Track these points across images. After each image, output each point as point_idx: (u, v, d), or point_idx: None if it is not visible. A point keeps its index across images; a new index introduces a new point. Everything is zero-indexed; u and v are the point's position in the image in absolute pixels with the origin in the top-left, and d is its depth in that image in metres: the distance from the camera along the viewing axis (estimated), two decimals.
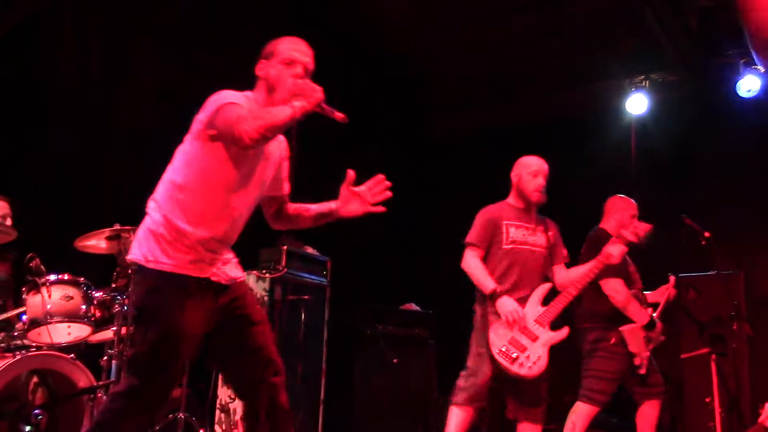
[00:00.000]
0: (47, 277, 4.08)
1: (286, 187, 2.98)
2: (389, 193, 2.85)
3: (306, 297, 5.48)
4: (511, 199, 4.46)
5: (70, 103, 5.48)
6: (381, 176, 2.87)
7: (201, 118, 2.65)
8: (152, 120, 5.62)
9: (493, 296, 4.16)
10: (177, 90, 5.68)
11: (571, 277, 4.35)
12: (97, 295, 4.23)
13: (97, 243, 4.36)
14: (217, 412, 5.53)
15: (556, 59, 6.86)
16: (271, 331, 2.76)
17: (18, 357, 3.82)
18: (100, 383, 4.06)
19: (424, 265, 7.63)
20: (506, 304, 4.12)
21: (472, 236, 4.33)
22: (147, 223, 2.70)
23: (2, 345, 4.16)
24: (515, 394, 4.21)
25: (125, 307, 4.19)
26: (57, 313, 4.03)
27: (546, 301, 4.28)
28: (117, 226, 4.25)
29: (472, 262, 4.28)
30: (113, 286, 4.38)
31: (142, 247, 2.65)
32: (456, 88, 7.74)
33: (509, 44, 6.79)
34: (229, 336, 2.69)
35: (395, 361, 5.78)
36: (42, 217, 4.89)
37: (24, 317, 4.11)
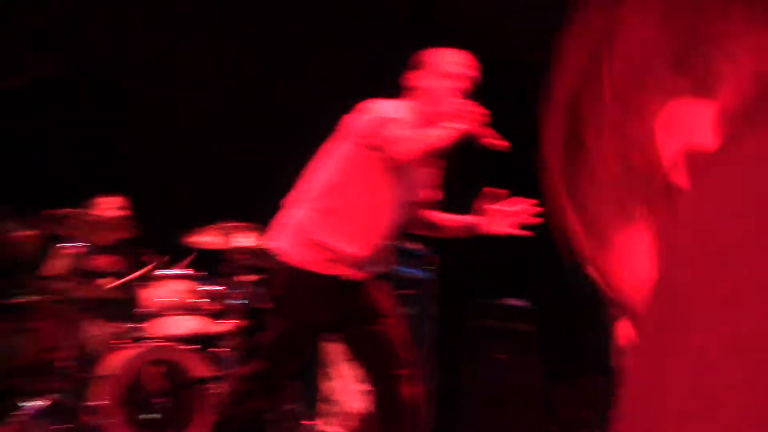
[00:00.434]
0: (165, 272, 4.26)
1: (434, 194, 2.97)
2: (538, 219, 2.77)
3: (411, 292, 5.48)
4: None
5: (174, 102, 5.71)
6: (532, 200, 2.80)
7: (357, 125, 2.65)
8: (257, 117, 5.77)
9: None
10: (275, 85, 5.81)
11: None
12: (212, 288, 4.38)
13: (208, 238, 4.52)
14: (321, 403, 5.62)
15: None
16: (401, 324, 2.77)
17: (140, 348, 4.00)
18: (217, 373, 4.21)
19: (529, 260, 7.49)
20: None
21: None
22: (290, 217, 2.76)
23: (124, 336, 4.37)
24: None
25: (238, 300, 4.33)
26: (174, 306, 4.20)
27: None
28: (227, 222, 4.40)
29: None
30: (225, 279, 4.54)
31: (281, 241, 2.73)
32: None
33: None
34: (360, 329, 2.74)
35: (502, 356, 5.71)
36: (156, 213, 5.10)
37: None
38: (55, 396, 3.70)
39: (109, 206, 4.88)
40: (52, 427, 3.68)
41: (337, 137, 2.75)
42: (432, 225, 2.95)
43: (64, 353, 3.83)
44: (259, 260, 4.70)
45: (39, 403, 3.67)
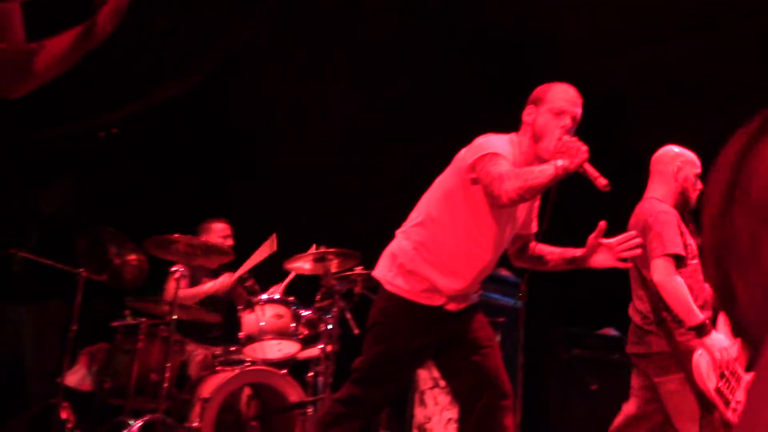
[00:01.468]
0: (260, 297, 4.35)
1: (534, 226, 2.97)
2: (639, 251, 2.77)
3: (501, 319, 5.44)
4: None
5: (273, 127, 5.87)
6: (633, 232, 2.81)
7: (466, 158, 2.70)
8: (352, 146, 5.87)
9: (704, 329, 3.24)
10: (370, 117, 5.90)
11: None
12: (304, 314, 4.45)
13: (303, 264, 4.60)
14: (415, 431, 5.62)
15: None
16: (499, 354, 2.76)
17: (236, 371, 4.09)
18: (310, 398, 4.26)
19: (622, 289, 7.34)
20: (720, 341, 3.23)
21: (673, 244, 3.28)
22: (393, 246, 2.82)
23: (221, 359, 4.49)
24: None
25: (330, 326, 4.38)
26: (269, 331, 4.28)
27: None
28: (323, 248, 4.47)
29: (678, 281, 3.25)
30: (318, 305, 4.60)
31: (384, 268, 2.78)
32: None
33: None
34: (458, 358, 2.74)
35: (594, 387, 5.59)
36: (253, 238, 5.22)
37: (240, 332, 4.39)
38: (157, 416, 3.81)
39: (214, 231, 5.05)
40: None
41: (447, 170, 2.78)
42: (537, 258, 2.93)
43: (166, 374, 3.94)
44: (354, 287, 4.76)
45: (141, 422, 3.78)
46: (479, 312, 2.84)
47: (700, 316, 3.23)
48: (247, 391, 4.44)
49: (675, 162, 3.55)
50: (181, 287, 4.22)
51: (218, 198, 5.96)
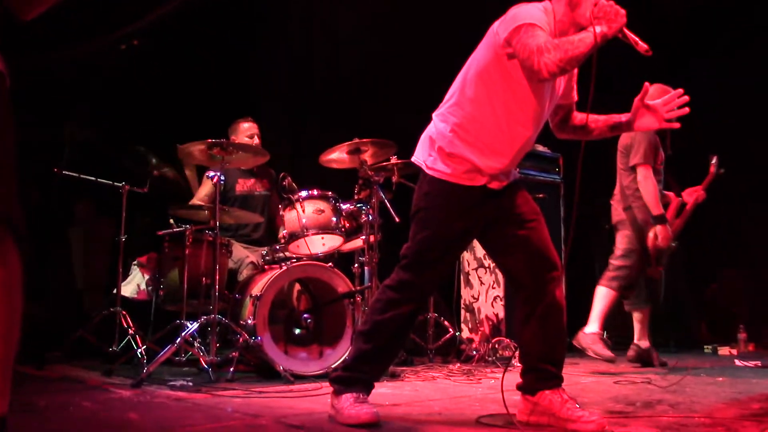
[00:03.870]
0: (299, 194, 4.38)
1: (574, 95, 2.88)
2: (686, 110, 2.67)
3: (540, 195, 5.42)
4: None
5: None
6: (680, 90, 2.69)
7: (500, 31, 2.58)
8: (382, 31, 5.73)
9: (661, 219, 4.86)
10: None
11: None
12: (344, 207, 4.47)
13: (339, 157, 4.60)
14: (463, 311, 5.74)
15: None
16: (545, 227, 2.75)
17: (284, 268, 4.16)
18: (357, 288, 4.35)
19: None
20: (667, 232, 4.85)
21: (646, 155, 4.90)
22: (430, 129, 2.77)
23: (267, 258, 4.57)
24: None
25: (371, 217, 4.41)
26: (311, 226, 4.33)
27: None
28: (356, 140, 4.45)
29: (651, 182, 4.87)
30: (357, 197, 4.63)
31: (423, 153, 2.75)
32: None
33: None
34: (504, 234, 2.74)
35: None
36: (285, 137, 5.22)
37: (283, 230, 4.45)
38: (212, 317, 3.93)
39: (242, 132, 5.07)
40: (210, 346, 3.92)
41: (480, 46, 2.69)
42: (581, 128, 2.86)
43: (217, 277, 4.04)
44: (392, 176, 4.76)
45: (198, 324, 3.90)
46: (522, 188, 2.81)
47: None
48: (296, 287, 4.54)
49: None
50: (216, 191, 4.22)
51: (242, 97, 5.92)
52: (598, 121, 2.85)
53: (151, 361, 3.77)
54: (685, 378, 4.08)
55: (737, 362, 5.19)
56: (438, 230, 2.68)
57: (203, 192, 5.02)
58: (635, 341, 5.02)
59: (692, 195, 5.29)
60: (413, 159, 2.80)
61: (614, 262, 5.01)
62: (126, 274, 4.91)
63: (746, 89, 6.84)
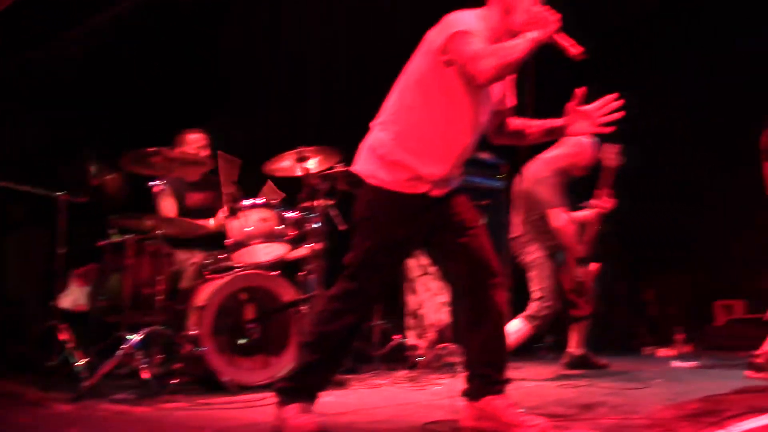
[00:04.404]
0: (243, 202, 4.34)
1: (510, 101, 2.92)
2: (620, 114, 2.71)
3: (484, 202, 5.48)
4: None
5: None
6: (613, 95, 2.73)
7: (436, 39, 2.61)
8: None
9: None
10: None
11: None
12: (289, 215, 4.45)
13: (284, 165, 4.58)
14: (408, 318, 5.75)
15: None
16: (486, 234, 2.78)
17: (228, 277, 4.12)
18: (303, 297, 4.33)
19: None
20: None
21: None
22: (371, 138, 2.77)
23: (211, 267, 4.52)
24: None
25: (316, 225, 4.40)
26: (256, 235, 4.29)
27: None
28: (301, 148, 4.43)
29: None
30: (302, 205, 4.61)
31: (364, 162, 2.76)
32: None
33: None
34: (446, 242, 2.76)
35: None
36: (236, 144, 5.15)
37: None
38: (155, 328, 3.86)
39: (190, 143, 4.97)
40: (152, 358, 3.85)
41: (417, 54, 2.71)
42: (517, 133, 2.90)
43: (160, 287, 3.97)
44: (336, 183, 4.75)
45: (139, 335, 3.84)
46: (463, 195, 2.85)
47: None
48: (241, 296, 4.50)
49: None
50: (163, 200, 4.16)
51: (194, 107, 5.85)
52: (533, 126, 2.90)
53: (91, 374, 3.69)
54: (626, 381, 4.17)
55: (675, 364, 5.32)
56: (381, 239, 2.69)
57: (164, 206, 4.87)
58: (568, 349, 5.05)
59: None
60: (355, 168, 2.80)
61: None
62: (65, 286, 4.79)
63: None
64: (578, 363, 4.97)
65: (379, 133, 2.73)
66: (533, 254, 4.83)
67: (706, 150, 7.13)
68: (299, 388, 2.72)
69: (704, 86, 7.09)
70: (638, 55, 7.57)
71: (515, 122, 2.92)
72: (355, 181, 2.80)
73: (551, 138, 2.93)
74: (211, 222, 4.72)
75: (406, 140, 2.66)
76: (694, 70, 7.20)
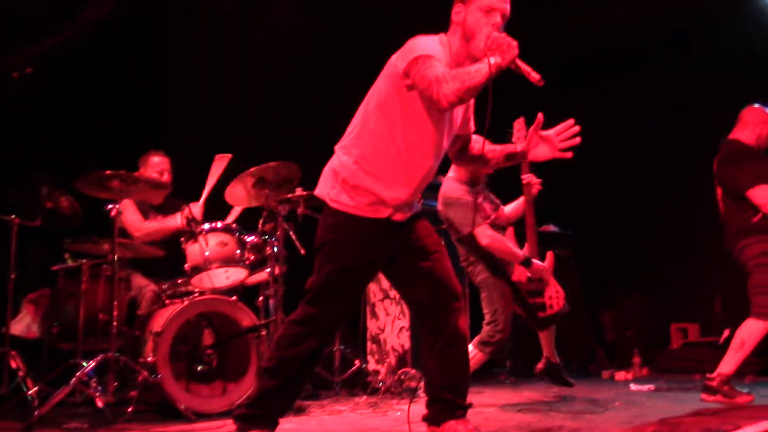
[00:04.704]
0: (202, 227, 4.29)
1: (471, 126, 2.95)
2: (578, 139, 2.76)
3: (444, 226, 5.49)
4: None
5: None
6: (571, 121, 2.79)
7: (398, 63, 2.63)
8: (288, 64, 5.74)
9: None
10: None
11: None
12: (249, 239, 4.41)
13: (242, 190, 4.53)
14: (369, 343, 5.73)
15: None
16: (447, 258, 2.79)
17: (186, 302, 4.06)
18: (262, 322, 4.28)
19: (564, 188, 7.53)
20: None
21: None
22: (333, 162, 2.77)
23: (169, 292, 4.45)
24: None
25: (275, 249, 4.36)
26: (215, 259, 4.24)
27: None
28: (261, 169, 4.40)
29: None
30: (262, 230, 4.57)
31: (326, 186, 2.74)
32: None
33: None
34: (408, 266, 2.76)
35: None
36: (188, 171, 5.11)
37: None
38: (110, 355, 3.78)
39: (151, 166, 4.89)
40: (107, 385, 3.76)
41: (379, 79, 2.72)
42: (478, 157, 2.93)
43: (114, 312, 3.89)
44: (297, 208, 4.72)
45: (94, 362, 3.75)
46: (424, 219, 2.85)
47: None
48: (199, 322, 4.43)
49: None
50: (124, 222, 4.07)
51: (153, 127, 5.79)
52: (494, 151, 2.93)
53: (43, 403, 3.58)
54: (585, 404, 4.19)
55: (632, 387, 5.37)
56: (343, 263, 2.68)
57: (130, 221, 4.76)
58: (545, 354, 4.87)
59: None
60: (317, 192, 2.80)
61: None
62: (16, 312, 4.66)
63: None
64: (552, 370, 4.81)
65: (342, 156, 2.73)
66: (480, 275, 4.66)
67: (662, 176, 7.28)
68: (259, 415, 2.68)
69: (660, 112, 7.26)
70: (593, 82, 7.74)
71: (476, 147, 2.94)
72: (317, 204, 2.79)
73: (512, 163, 2.96)
74: (178, 219, 4.62)
75: (368, 164, 2.66)
76: (651, 96, 7.38)
